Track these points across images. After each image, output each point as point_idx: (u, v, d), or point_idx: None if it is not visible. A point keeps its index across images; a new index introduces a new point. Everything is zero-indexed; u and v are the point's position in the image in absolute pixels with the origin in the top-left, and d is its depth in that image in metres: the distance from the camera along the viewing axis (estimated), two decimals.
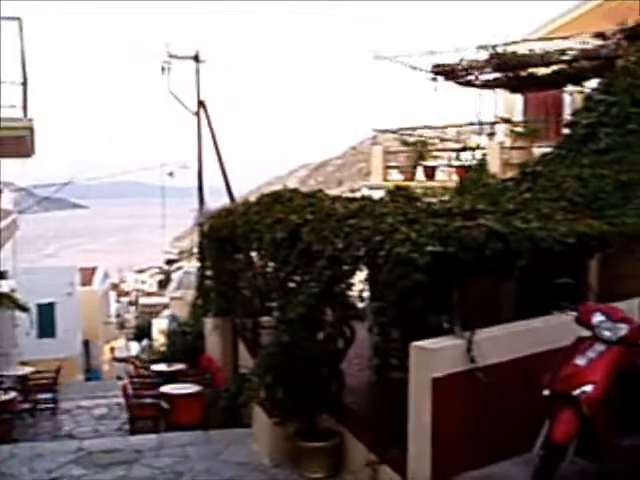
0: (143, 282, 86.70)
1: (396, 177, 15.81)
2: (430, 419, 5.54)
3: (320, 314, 6.86)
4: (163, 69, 20.94)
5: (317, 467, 7.16)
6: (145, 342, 40.20)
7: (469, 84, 15.53)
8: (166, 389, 12.07)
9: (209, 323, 12.85)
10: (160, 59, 20.84)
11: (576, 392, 5.14)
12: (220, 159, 20.92)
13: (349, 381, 7.80)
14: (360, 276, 6.77)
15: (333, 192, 12.16)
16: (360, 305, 7.07)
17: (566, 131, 9.65)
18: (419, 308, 5.63)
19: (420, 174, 15.47)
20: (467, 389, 5.68)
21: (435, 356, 5.52)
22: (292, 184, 22.87)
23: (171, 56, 21.10)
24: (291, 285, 7.10)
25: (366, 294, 7.06)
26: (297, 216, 7.34)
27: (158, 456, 8.40)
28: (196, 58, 21.51)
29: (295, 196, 8.45)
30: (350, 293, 6.77)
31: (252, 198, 10.10)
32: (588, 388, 5.13)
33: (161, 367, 14.10)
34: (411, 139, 16.17)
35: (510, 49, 14.28)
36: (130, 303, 70.61)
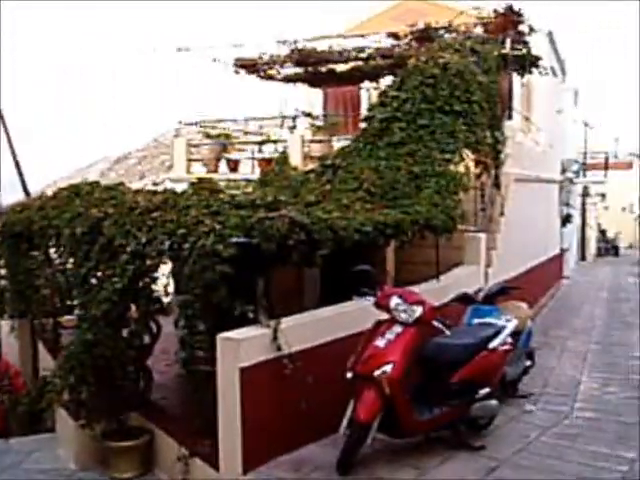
0: None
1: (199, 170, 15.68)
2: (239, 408, 5.58)
3: (124, 310, 6.68)
4: None
5: (127, 466, 6.99)
6: None
7: (271, 78, 15.76)
8: None
9: (5, 326, 12.09)
10: None
11: (377, 373, 5.41)
12: (13, 151, 19.67)
13: (157, 377, 7.69)
14: (165, 270, 6.67)
15: (135, 185, 11.84)
16: (165, 299, 6.96)
17: (363, 125, 10.04)
18: (225, 299, 5.64)
19: (223, 167, 15.46)
20: (275, 377, 5.78)
21: (241, 346, 5.57)
22: (92, 177, 21.92)
23: None
24: (93, 281, 6.85)
25: (171, 288, 6.97)
26: (98, 210, 7.09)
27: None
28: None
29: (95, 189, 8.15)
30: (155, 287, 6.65)
31: (49, 192, 9.61)
32: (388, 368, 5.42)
33: None
34: (214, 132, 16.10)
35: (310, 45, 14.65)
36: None
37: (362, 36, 15.02)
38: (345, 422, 5.55)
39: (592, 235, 45.87)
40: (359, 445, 5.51)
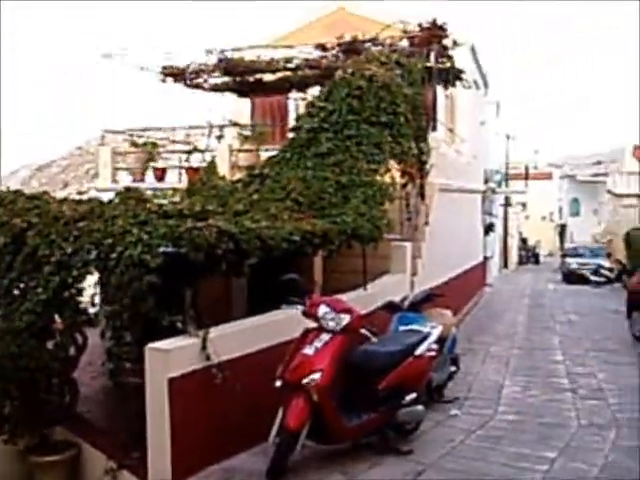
0: None
1: (126, 179, 15.46)
2: (168, 419, 5.55)
3: (49, 321, 6.55)
4: None
5: None
6: None
7: (198, 87, 15.68)
8: None
9: None
10: None
11: (305, 380, 5.47)
12: None
13: (83, 389, 7.54)
14: (91, 280, 6.58)
15: (59, 194, 11.60)
16: (92, 310, 6.87)
17: (291, 135, 10.12)
18: (153, 310, 5.61)
19: (150, 176, 15.30)
20: (204, 386, 5.77)
21: (170, 356, 5.55)
22: (13, 185, 21.37)
23: None
24: (16, 292, 6.70)
25: (98, 298, 6.87)
26: (21, 220, 6.93)
27: None
28: None
29: (18, 198, 7.96)
30: (81, 298, 6.55)
31: None
32: (316, 376, 5.49)
33: None
34: (141, 140, 15.92)
35: (238, 55, 14.65)
36: None
37: (290, 47, 15.11)
38: (274, 430, 5.58)
39: (514, 243, 47.09)
40: (289, 453, 5.55)
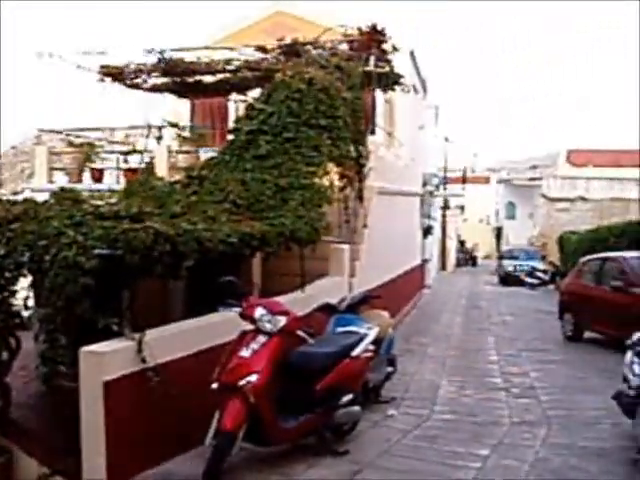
0: None
1: (62, 179, 15.20)
2: (103, 423, 5.48)
3: None
4: None
5: None
6: None
7: (138, 87, 15.51)
8: None
9: None
10: None
11: (241, 382, 5.48)
12: None
13: (16, 394, 7.38)
14: (25, 282, 6.45)
15: None
16: (25, 313, 6.74)
17: (230, 137, 10.11)
18: (88, 312, 5.55)
19: (87, 177, 15.08)
20: (140, 389, 5.72)
21: (105, 359, 5.49)
22: None
23: None
24: None
25: (31, 301, 6.74)
26: None
27: None
28: None
29: None
30: (14, 301, 6.42)
31: None
32: (252, 378, 5.50)
33: None
34: (78, 140, 15.68)
35: (178, 55, 14.55)
36: None
37: (231, 48, 15.08)
38: (211, 433, 5.57)
39: (452, 246, 47.86)
40: (225, 455, 5.54)
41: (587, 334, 13.75)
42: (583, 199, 35.74)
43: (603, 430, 7.44)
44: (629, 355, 6.77)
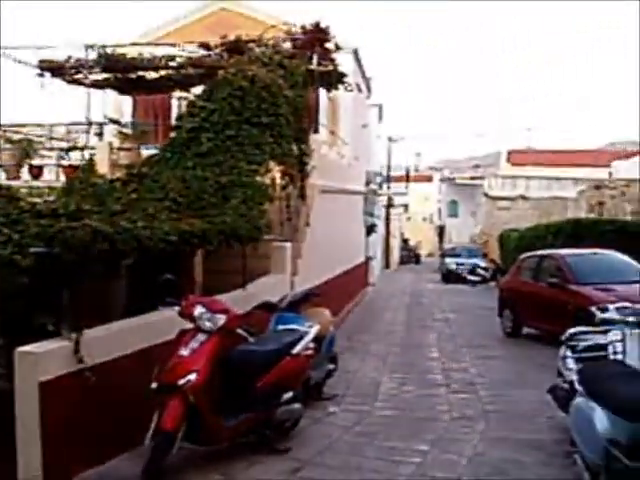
0: None
1: None
2: (39, 425, 5.37)
3: None
4: None
5: None
6: None
7: (78, 82, 15.26)
8: None
9: None
10: None
11: (181, 381, 5.45)
12: None
13: None
14: None
15: None
16: None
17: (172, 134, 10.03)
18: (23, 311, 5.44)
19: (25, 173, 14.76)
20: (77, 390, 5.63)
21: (41, 359, 5.38)
22: None
23: None
24: None
25: None
26: None
27: None
28: None
29: None
30: None
31: None
32: (192, 377, 5.48)
33: None
34: (16, 137, 15.34)
35: (120, 51, 14.36)
36: None
37: (173, 45, 14.96)
38: (150, 432, 5.52)
39: (396, 244, 48.32)
40: (165, 454, 5.49)
41: (526, 330, 13.99)
42: (523, 198, 36.43)
43: (539, 423, 7.60)
44: (563, 350, 6.94)
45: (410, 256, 53.17)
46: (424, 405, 8.64)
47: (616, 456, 4.36)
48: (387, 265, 41.61)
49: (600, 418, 4.67)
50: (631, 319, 6.60)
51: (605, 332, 6.70)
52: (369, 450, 6.70)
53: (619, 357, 6.12)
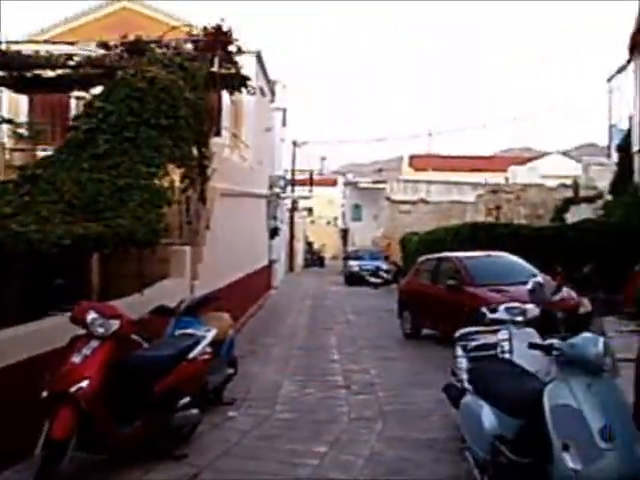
0: None
1: None
2: None
3: None
4: None
5: None
6: None
7: None
8: None
9: None
10: None
11: (72, 389, 5.31)
12: None
13: None
14: None
15: None
16: None
17: (68, 135, 9.78)
18: None
19: None
20: None
21: None
22: None
23: None
24: None
25: None
26: None
27: None
28: None
29: None
30: None
31: None
32: (83, 384, 5.35)
33: None
34: None
35: (15, 48, 13.86)
36: None
37: (72, 43, 14.57)
38: (41, 442, 5.35)
39: (300, 247, 48.52)
40: (56, 464, 5.32)
41: (425, 331, 14.28)
42: (424, 202, 37.25)
43: (434, 422, 7.80)
44: (456, 350, 7.16)
45: (314, 259, 53.53)
46: (324, 407, 8.72)
47: (502, 451, 4.53)
48: (291, 268, 41.74)
49: (487, 415, 4.85)
50: (518, 319, 6.88)
51: (495, 332, 6.96)
52: (268, 454, 6.71)
53: (507, 356, 6.37)
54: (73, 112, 16.02)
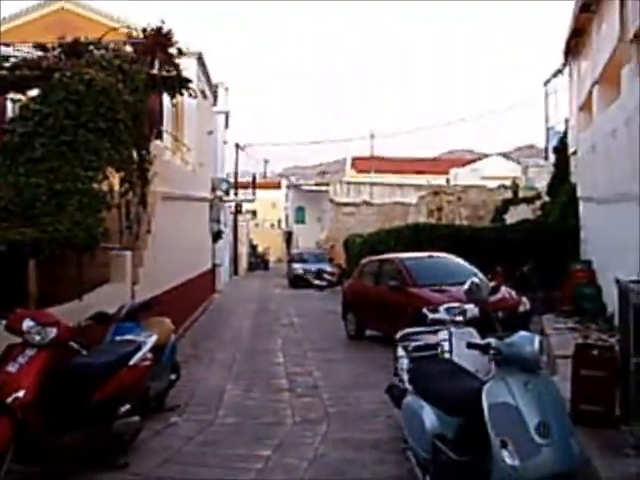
0: None
1: None
2: None
3: None
4: None
5: None
6: None
7: None
8: None
9: None
10: None
11: (8, 400, 5.17)
12: None
13: None
14: None
15: None
16: None
17: (4, 139, 9.56)
18: None
19: None
20: None
21: None
22: None
23: None
24: None
25: None
26: None
27: None
28: None
29: None
30: None
31: None
32: (20, 394, 5.21)
33: None
34: None
35: None
36: None
37: (8, 44, 14.26)
38: None
39: (244, 250, 48.30)
40: None
41: (369, 332, 14.36)
42: (367, 203, 37.51)
43: (378, 423, 7.86)
44: (398, 350, 7.22)
45: (259, 262, 53.33)
46: (268, 410, 8.71)
47: (443, 450, 4.59)
48: (236, 271, 41.52)
49: (428, 415, 4.91)
50: (458, 319, 6.98)
51: (436, 332, 7.04)
52: (211, 459, 6.68)
53: (447, 355, 6.45)
54: (9, 115, 15.67)
